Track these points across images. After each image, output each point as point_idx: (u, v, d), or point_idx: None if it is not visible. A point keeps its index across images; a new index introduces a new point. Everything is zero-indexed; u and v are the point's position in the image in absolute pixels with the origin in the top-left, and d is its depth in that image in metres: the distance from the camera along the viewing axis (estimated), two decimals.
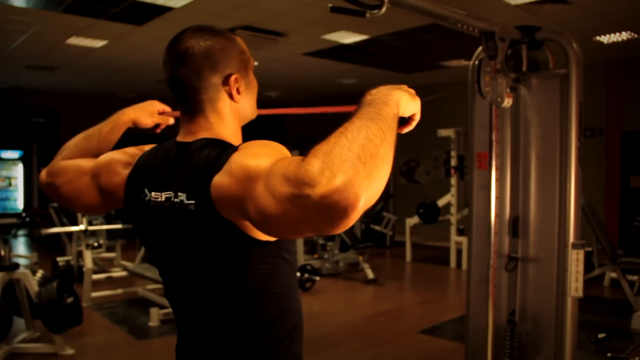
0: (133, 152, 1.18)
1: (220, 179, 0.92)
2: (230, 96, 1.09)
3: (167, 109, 1.40)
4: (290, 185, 0.76)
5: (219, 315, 1.04)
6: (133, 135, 1.42)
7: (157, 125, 1.40)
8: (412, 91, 0.99)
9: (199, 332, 1.08)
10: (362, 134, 0.78)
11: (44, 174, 1.29)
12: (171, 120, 1.42)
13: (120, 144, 1.30)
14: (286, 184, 0.77)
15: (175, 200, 1.02)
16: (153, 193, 1.06)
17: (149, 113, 1.38)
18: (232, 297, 1.02)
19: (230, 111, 1.10)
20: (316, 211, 0.74)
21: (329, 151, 0.76)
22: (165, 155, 1.08)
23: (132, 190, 1.11)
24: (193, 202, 0.98)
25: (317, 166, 0.74)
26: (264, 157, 0.87)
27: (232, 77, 1.08)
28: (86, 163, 1.23)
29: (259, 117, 1.47)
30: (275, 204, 0.78)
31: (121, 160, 1.17)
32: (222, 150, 0.98)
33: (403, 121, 1.02)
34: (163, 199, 1.04)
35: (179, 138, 1.10)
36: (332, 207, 0.73)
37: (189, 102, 1.08)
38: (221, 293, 1.02)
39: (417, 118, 1.03)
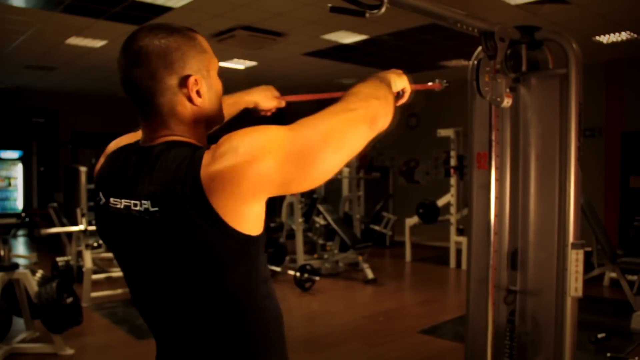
0: (107, 153, 1.15)
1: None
2: (190, 99, 1.01)
3: (279, 94, 1.53)
4: (340, 113, 1.00)
5: (194, 330, 1.00)
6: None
7: (277, 109, 1.50)
8: (399, 71, 1.33)
9: (176, 342, 1.04)
10: (376, 85, 1.13)
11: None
12: (283, 103, 1.55)
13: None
14: (335, 114, 0.99)
15: (135, 208, 0.97)
16: (111, 199, 1.02)
17: (270, 97, 1.48)
18: (206, 306, 0.98)
19: (191, 115, 1.02)
20: (362, 121, 1.02)
21: (358, 91, 1.08)
22: (126, 162, 1.03)
23: (95, 193, 1.07)
24: (157, 209, 0.93)
25: (355, 99, 1.05)
26: (302, 126, 0.96)
27: (191, 79, 1.00)
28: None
29: (258, 113, 1.51)
30: (353, 146, 1.00)
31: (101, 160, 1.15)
32: (193, 146, 0.95)
33: (398, 96, 1.34)
34: (122, 206, 0.99)
35: (140, 143, 1.05)
36: (371, 116, 1.04)
37: (145, 106, 1.01)
38: (194, 302, 0.98)
39: (408, 90, 1.38)
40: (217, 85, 1.07)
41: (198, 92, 1.01)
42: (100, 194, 1.04)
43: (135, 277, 1.07)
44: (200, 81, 1.02)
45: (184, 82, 1.00)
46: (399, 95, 1.35)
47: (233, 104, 1.42)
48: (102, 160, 1.14)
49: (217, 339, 1.00)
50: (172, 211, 0.91)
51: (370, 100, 1.05)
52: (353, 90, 1.08)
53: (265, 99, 1.48)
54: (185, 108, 1.01)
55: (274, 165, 0.90)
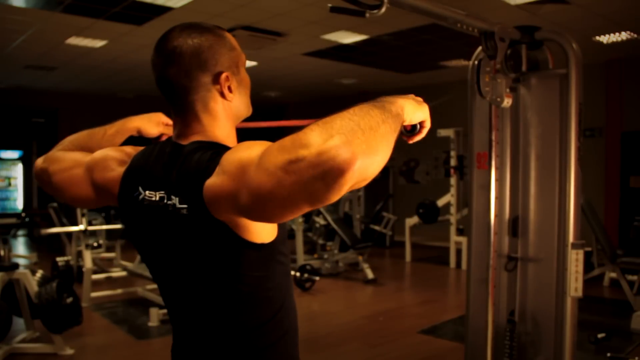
0: (129, 151, 1.17)
1: (213, 180, 0.90)
2: (222, 95, 1.05)
3: (171, 122, 1.38)
4: (285, 152, 0.76)
5: (213, 317, 1.03)
6: (134, 139, 1.42)
7: (160, 136, 1.39)
8: (420, 99, 1.00)
9: (193, 334, 1.07)
10: (364, 111, 0.80)
11: (40, 160, 1.27)
12: (170, 131, 1.41)
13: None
14: (280, 153, 0.76)
15: (169, 202, 1.00)
16: (147, 192, 1.05)
17: (155, 123, 1.39)
18: (226, 300, 1.01)
19: (223, 110, 1.06)
20: (311, 173, 0.73)
21: (329, 120, 0.77)
22: (160, 154, 1.06)
23: (126, 188, 1.10)
24: (185, 206, 0.96)
25: (316, 130, 0.75)
26: (256, 147, 0.86)
27: (223, 75, 1.04)
28: (82, 156, 1.22)
29: (257, 115, 1.49)
30: (269, 177, 0.77)
31: (116, 157, 1.16)
32: (214, 153, 0.96)
33: (414, 130, 1.05)
34: (157, 198, 1.02)
35: (174, 139, 1.08)
36: (327, 165, 0.72)
37: (179, 103, 1.05)
38: (214, 296, 1.01)
39: (428, 125, 1.04)
40: (246, 80, 1.12)
41: (229, 88, 1.06)
42: (140, 188, 1.06)
43: (162, 269, 1.11)
44: (231, 77, 1.06)
45: (216, 78, 1.04)
46: (414, 130, 1.05)
47: (116, 134, 1.35)
48: (130, 150, 1.17)
49: (231, 326, 1.03)
50: (196, 211, 0.94)
51: (354, 135, 0.75)
52: (329, 118, 0.79)
53: (150, 125, 1.38)
54: (217, 103, 1.06)
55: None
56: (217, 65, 1.04)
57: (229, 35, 1.09)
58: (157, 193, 1.03)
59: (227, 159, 0.90)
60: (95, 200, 1.20)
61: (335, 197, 0.75)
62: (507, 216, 2.48)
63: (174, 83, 1.03)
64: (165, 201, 1.01)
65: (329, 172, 0.72)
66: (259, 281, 1.00)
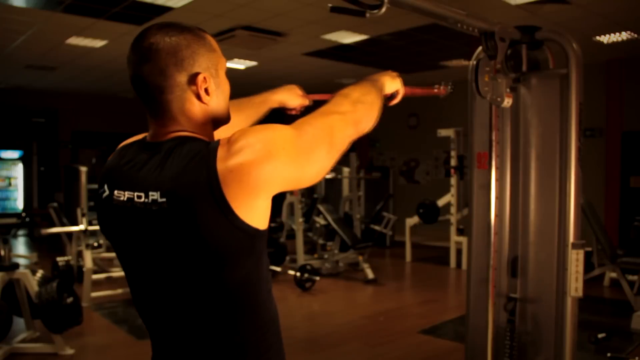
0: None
1: (262, 165, 0.93)
2: (198, 97, 1.02)
3: (304, 93, 1.56)
4: (331, 114, 1.08)
5: (194, 328, 1.00)
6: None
7: (302, 108, 1.52)
8: (394, 73, 1.39)
9: (173, 345, 1.04)
10: (367, 89, 1.22)
11: None
12: (307, 102, 1.57)
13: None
14: (326, 115, 1.07)
15: (142, 200, 0.97)
16: (116, 191, 1.03)
17: (295, 95, 1.50)
18: (207, 303, 0.98)
19: (200, 113, 1.03)
20: (348, 122, 1.10)
21: (348, 93, 1.17)
22: (134, 156, 1.04)
23: (99, 185, 1.09)
24: (165, 199, 0.94)
25: (346, 101, 1.14)
26: (286, 129, 0.99)
27: (200, 77, 1.01)
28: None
29: (285, 112, 1.57)
30: (341, 146, 1.06)
31: None
32: (205, 142, 0.96)
33: (392, 97, 1.42)
34: (125, 198, 1.00)
35: (148, 139, 1.06)
36: (355, 118, 1.12)
37: (153, 102, 1.02)
38: (196, 298, 0.98)
39: (401, 92, 1.43)
40: (225, 84, 1.09)
41: (206, 90, 1.03)
42: (105, 186, 1.05)
43: (135, 272, 1.07)
44: (209, 79, 1.03)
45: (193, 79, 1.01)
46: (392, 97, 1.42)
47: (261, 103, 1.47)
48: (112, 156, 1.16)
49: (215, 338, 1.00)
50: (183, 201, 0.93)
51: (357, 105, 1.13)
52: (344, 91, 1.16)
53: (291, 97, 1.51)
54: (194, 105, 1.03)
55: (287, 161, 0.96)
56: (194, 66, 1.01)
57: (209, 37, 1.07)
58: (126, 193, 1.00)
59: (273, 141, 0.96)
60: None
61: (357, 135, 1.12)
62: (507, 218, 2.48)
63: (148, 81, 1.00)
64: (134, 201, 0.99)
65: (357, 121, 1.12)
66: (245, 276, 0.98)
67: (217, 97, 1.06)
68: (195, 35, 1.03)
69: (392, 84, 1.36)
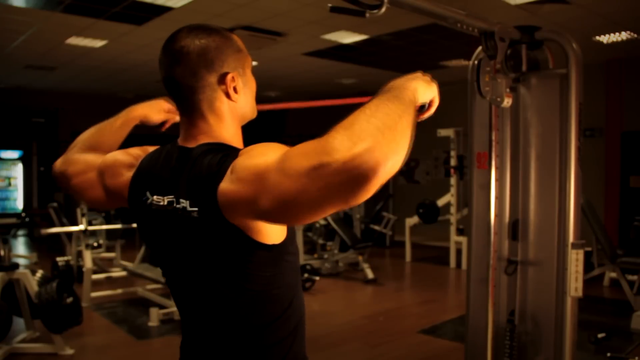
0: (136, 154, 1.18)
1: (227, 186, 0.91)
2: (228, 95, 1.07)
3: (173, 107, 1.39)
4: (309, 158, 0.76)
5: (222, 316, 1.04)
6: (138, 135, 1.42)
7: (163, 123, 1.41)
8: (428, 77, 1.03)
9: (202, 331, 1.09)
10: (381, 110, 0.80)
11: (59, 162, 1.31)
12: (177, 118, 1.38)
13: (125, 144, 1.31)
14: (304, 159, 0.77)
15: (178, 206, 1.01)
16: (155, 197, 1.06)
17: (157, 110, 1.39)
18: (235, 299, 1.02)
19: (228, 111, 1.08)
20: (338, 180, 0.74)
21: (348, 125, 0.77)
22: (167, 159, 1.08)
23: (135, 193, 1.11)
24: (196, 209, 0.97)
25: (338, 137, 0.75)
26: (270, 152, 0.87)
27: (229, 76, 1.06)
28: (95, 159, 1.24)
29: (259, 116, 1.50)
30: (294, 183, 0.78)
31: (125, 162, 1.17)
32: (224, 155, 0.97)
33: (422, 108, 1.09)
34: (165, 202, 1.04)
35: (180, 142, 1.09)
36: (354, 172, 0.73)
37: (185, 102, 1.07)
38: (224, 296, 1.02)
39: (436, 102, 1.09)
40: (252, 82, 1.14)
41: (235, 89, 1.07)
42: (148, 193, 1.08)
43: (172, 271, 1.12)
44: (237, 78, 1.08)
45: (222, 79, 1.06)
46: (423, 109, 1.09)
47: (122, 126, 1.35)
48: (138, 152, 1.18)
49: (240, 325, 1.04)
50: (208, 214, 0.95)
51: (379, 137, 0.75)
52: (351, 119, 0.79)
53: (153, 112, 1.38)
54: (223, 103, 1.07)
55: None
56: (223, 66, 1.06)
57: (236, 38, 1.11)
58: (166, 197, 1.04)
59: (242, 165, 0.90)
60: (110, 203, 1.23)
61: (363, 199, 0.77)
62: (507, 218, 2.48)
63: (181, 83, 1.05)
64: (174, 205, 1.02)
65: (357, 178, 0.73)
66: (269, 280, 1.01)
67: (244, 95, 1.11)
68: (222, 36, 1.07)
69: (428, 92, 1.02)
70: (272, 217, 0.87)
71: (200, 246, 1.00)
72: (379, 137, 0.75)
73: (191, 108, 1.06)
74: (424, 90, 0.99)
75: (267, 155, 0.86)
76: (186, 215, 0.99)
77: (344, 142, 0.74)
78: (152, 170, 1.09)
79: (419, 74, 1.00)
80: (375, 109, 0.80)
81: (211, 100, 1.06)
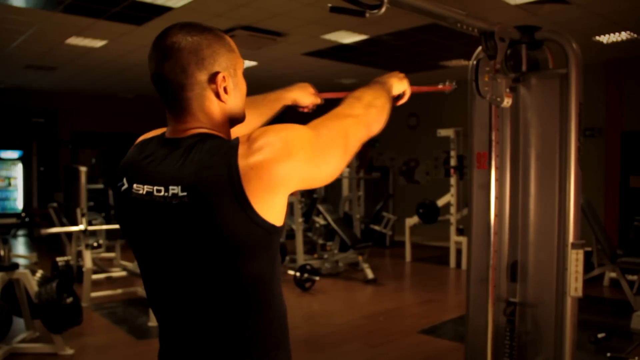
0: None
1: (282, 163, 0.96)
2: (217, 95, 1.05)
3: (317, 91, 1.59)
4: (345, 117, 1.12)
5: (206, 323, 1.02)
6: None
7: (314, 106, 1.55)
8: (401, 75, 1.45)
9: (183, 339, 1.05)
10: (378, 92, 1.27)
11: None
12: (319, 100, 1.59)
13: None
14: (339, 118, 1.11)
15: (162, 194, 0.99)
16: (135, 185, 1.05)
17: (308, 94, 1.53)
18: (222, 298, 1.00)
19: (218, 111, 1.06)
20: (361, 124, 1.14)
21: (360, 96, 1.22)
22: (153, 149, 1.06)
23: (115, 180, 1.10)
24: (186, 194, 0.96)
25: (359, 104, 1.18)
26: (320, 127, 1.05)
27: (220, 76, 1.04)
28: None
29: (297, 109, 1.60)
30: (354, 148, 1.10)
31: None
32: (224, 141, 0.98)
33: (398, 97, 1.47)
34: (144, 192, 1.02)
35: (167, 135, 1.08)
36: (372, 122, 1.19)
37: (173, 99, 1.05)
38: (210, 293, 1.00)
39: (408, 93, 1.49)
40: (242, 84, 1.12)
41: (225, 89, 1.06)
42: (124, 180, 1.07)
43: (149, 264, 1.10)
44: (228, 79, 1.06)
45: (213, 78, 1.04)
46: (399, 97, 1.47)
47: (275, 100, 1.49)
48: (131, 150, 1.18)
49: (225, 332, 1.02)
50: (204, 196, 0.95)
51: (369, 108, 1.18)
52: (356, 94, 1.21)
53: (304, 96, 1.54)
54: (212, 103, 1.06)
55: (305, 161, 0.99)
56: (214, 65, 1.04)
57: (228, 38, 1.10)
58: (145, 187, 1.03)
59: (293, 140, 0.98)
60: None
61: (369, 135, 1.17)
62: (507, 218, 2.48)
63: (169, 79, 1.03)
64: (153, 194, 1.01)
65: (369, 124, 1.17)
66: (261, 270, 1.01)
67: (234, 96, 1.09)
68: (215, 35, 1.06)
69: (400, 85, 1.43)
70: (317, 172, 1.03)
71: (190, 233, 0.98)
72: (378, 107, 1.22)
73: (180, 106, 1.05)
74: (397, 84, 1.41)
75: (304, 130, 1.02)
76: (173, 203, 0.98)
77: (362, 108, 1.17)
78: (135, 160, 1.08)
79: (395, 72, 1.44)
80: (374, 92, 1.26)
81: (200, 99, 1.04)
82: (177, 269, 1.03)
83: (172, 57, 1.01)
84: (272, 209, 0.98)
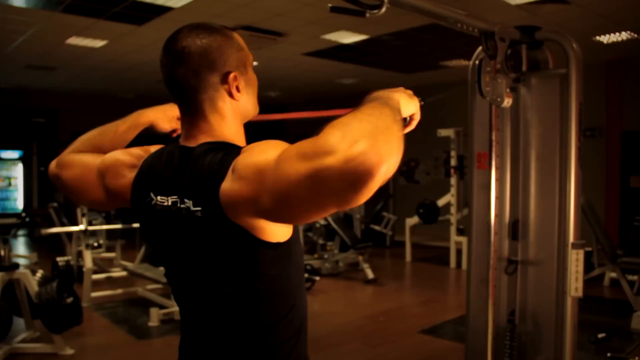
0: (138, 154, 1.17)
1: (229, 185, 0.91)
2: (230, 94, 1.07)
3: None
4: (308, 160, 0.74)
5: (226, 316, 1.04)
6: (140, 135, 1.41)
7: (173, 131, 1.37)
8: (410, 92, 1.08)
9: (205, 332, 1.08)
10: (377, 112, 0.80)
11: (53, 164, 1.29)
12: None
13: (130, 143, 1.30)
14: (303, 161, 0.75)
15: (182, 205, 1.01)
16: (159, 197, 1.06)
17: (169, 118, 1.35)
18: (240, 299, 1.01)
19: (231, 110, 1.08)
20: (339, 179, 0.72)
21: (347, 122, 0.76)
22: (169, 159, 1.07)
23: (138, 193, 1.11)
24: (200, 209, 0.97)
25: (337, 134, 0.73)
26: (270, 150, 0.86)
27: (231, 75, 1.06)
28: (93, 160, 1.22)
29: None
30: (293, 184, 0.76)
31: (126, 162, 1.16)
32: (226, 154, 0.97)
33: (404, 122, 1.09)
34: (169, 203, 1.04)
35: (182, 141, 1.09)
36: (356, 171, 0.71)
37: (187, 102, 1.06)
38: (229, 296, 1.02)
39: (417, 117, 1.13)
40: (254, 80, 1.14)
41: (237, 88, 1.07)
42: (151, 194, 1.08)
43: (176, 271, 1.12)
44: (239, 77, 1.08)
45: (224, 78, 1.06)
46: (404, 122, 1.10)
47: (128, 131, 1.32)
48: (140, 153, 1.17)
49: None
50: (212, 213, 0.95)
51: (376, 137, 0.74)
52: (345, 119, 0.78)
53: (163, 119, 1.35)
54: (225, 103, 1.07)
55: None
56: (225, 65, 1.05)
57: (237, 36, 1.11)
58: (169, 198, 1.04)
59: (242, 163, 0.90)
60: (110, 203, 1.22)
61: (362, 201, 0.75)
62: (507, 218, 2.48)
63: (183, 83, 1.04)
64: (178, 205, 1.02)
65: (359, 178, 0.71)
66: (274, 279, 1.01)
67: (247, 93, 1.11)
68: (224, 35, 1.07)
69: (409, 105, 1.06)
70: (273, 215, 0.88)
71: (204, 246, 1.00)
72: (378, 136, 0.73)
73: (193, 108, 1.06)
74: (406, 103, 1.04)
75: (267, 153, 0.85)
76: (190, 215, 0.99)
77: (345, 140, 0.72)
78: (155, 171, 1.09)
79: (401, 88, 1.05)
80: (372, 111, 0.81)
81: (214, 99, 1.05)
82: (197, 274, 1.05)
83: (184, 61, 1.03)
84: (266, 230, 0.97)
